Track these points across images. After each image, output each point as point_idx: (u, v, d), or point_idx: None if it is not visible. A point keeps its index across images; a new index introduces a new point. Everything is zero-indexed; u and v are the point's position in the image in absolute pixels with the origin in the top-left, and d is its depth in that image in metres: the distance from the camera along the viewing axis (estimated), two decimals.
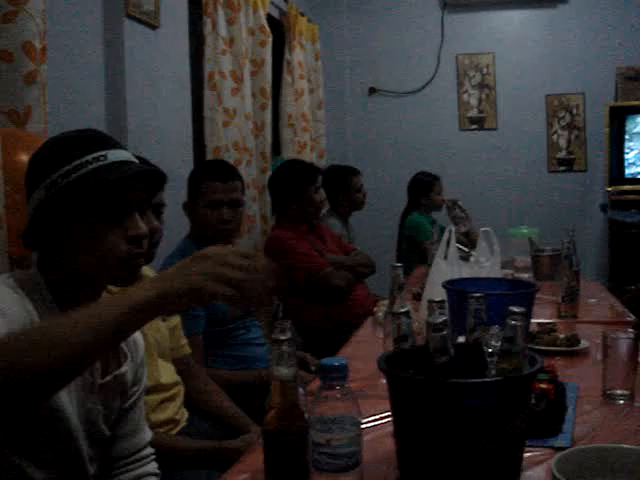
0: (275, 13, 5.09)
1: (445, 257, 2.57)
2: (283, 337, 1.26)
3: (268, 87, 4.53)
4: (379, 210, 5.82)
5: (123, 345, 1.57)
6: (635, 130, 5.50)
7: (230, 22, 4.07)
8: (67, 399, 1.39)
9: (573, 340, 2.43)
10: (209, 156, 3.88)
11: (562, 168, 6.18)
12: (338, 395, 1.19)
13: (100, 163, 1.42)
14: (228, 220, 2.89)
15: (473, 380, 1.31)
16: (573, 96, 6.08)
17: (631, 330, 2.59)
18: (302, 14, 5.31)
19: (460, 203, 4.92)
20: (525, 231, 4.30)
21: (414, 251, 5.12)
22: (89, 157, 1.42)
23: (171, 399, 2.27)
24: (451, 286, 2.29)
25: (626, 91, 5.62)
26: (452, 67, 6.23)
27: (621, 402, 1.91)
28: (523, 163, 6.18)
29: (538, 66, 6.09)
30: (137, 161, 1.51)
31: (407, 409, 1.32)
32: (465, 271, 2.55)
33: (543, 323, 2.79)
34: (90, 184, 1.39)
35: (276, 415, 1.29)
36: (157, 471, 1.72)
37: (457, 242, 4.70)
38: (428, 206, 5.27)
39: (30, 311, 1.33)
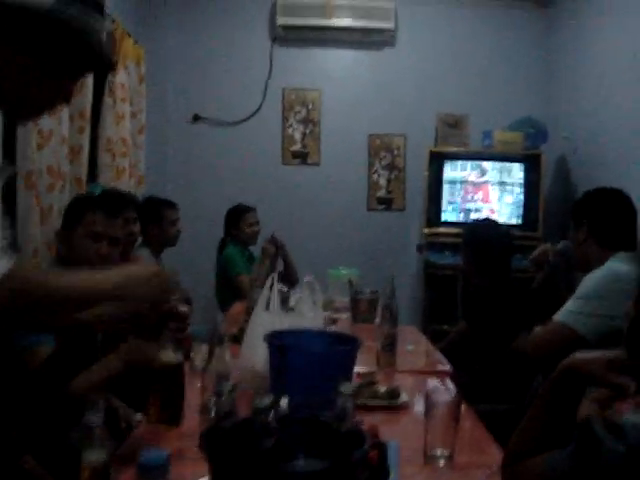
0: None
1: (267, 307, 2.47)
2: (93, 422, 1.12)
3: (87, 110, 4.30)
4: (198, 242, 5.68)
5: None
6: (451, 176, 5.68)
7: None
8: None
9: (394, 394, 2.41)
10: (21, 180, 3.62)
11: (381, 207, 6.28)
12: None
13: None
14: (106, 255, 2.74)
15: (301, 470, 1.22)
16: (395, 137, 6.21)
17: (452, 387, 2.63)
18: (129, 34, 5.11)
19: (276, 235, 4.83)
20: (344, 272, 4.33)
21: (227, 285, 5.01)
22: None
23: None
24: (272, 339, 2.21)
25: (445, 137, 5.79)
26: (278, 100, 6.18)
27: (442, 462, 1.89)
28: (344, 200, 6.22)
29: (363, 105, 6.17)
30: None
31: None
32: (287, 322, 2.47)
33: (364, 373, 2.77)
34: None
35: None
36: None
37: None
38: (239, 237, 5.15)
39: None
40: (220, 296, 5.10)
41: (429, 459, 1.91)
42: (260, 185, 6.14)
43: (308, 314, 2.53)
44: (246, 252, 5.15)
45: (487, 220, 3.81)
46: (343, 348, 2.24)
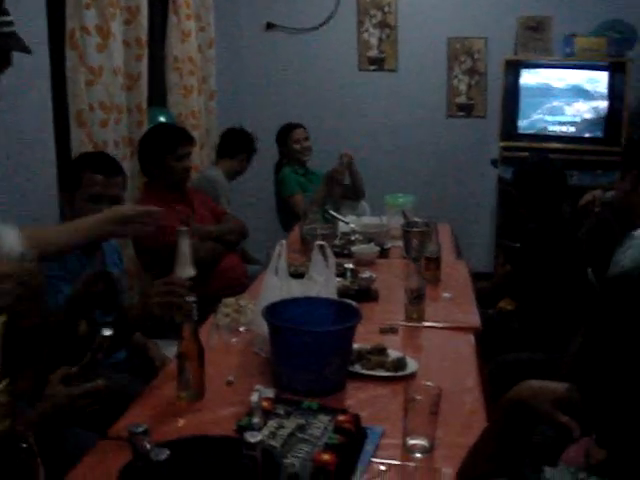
0: None
1: (276, 272, 2.48)
2: None
3: (144, 36, 4.27)
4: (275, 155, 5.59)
5: None
6: (529, 84, 5.40)
7: None
8: None
9: (400, 364, 2.39)
10: (72, 120, 3.68)
11: (461, 114, 6.08)
12: None
13: None
14: None
15: None
16: (475, 40, 5.93)
17: (473, 342, 2.60)
18: None
19: (344, 155, 4.74)
20: (401, 200, 4.25)
21: (283, 207, 5.01)
22: None
23: None
24: (269, 315, 2.22)
25: (526, 42, 5.49)
26: (353, 4, 5.98)
27: (418, 456, 1.89)
28: (422, 107, 6.05)
29: (441, 7, 5.90)
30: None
31: None
32: (296, 288, 2.48)
33: (383, 328, 2.76)
34: None
35: None
36: None
37: (342, 201, 4.66)
38: (291, 156, 5.08)
39: None
40: (280, 218, 5.12)
41: (407, 450, 1.91)
42: (336, 92, 6.05)
43: (319, 279, 2.52)
44: (301, 170, 5.08)
45: (538, 160, 3.57)
46: (337, 328, 2.23)
